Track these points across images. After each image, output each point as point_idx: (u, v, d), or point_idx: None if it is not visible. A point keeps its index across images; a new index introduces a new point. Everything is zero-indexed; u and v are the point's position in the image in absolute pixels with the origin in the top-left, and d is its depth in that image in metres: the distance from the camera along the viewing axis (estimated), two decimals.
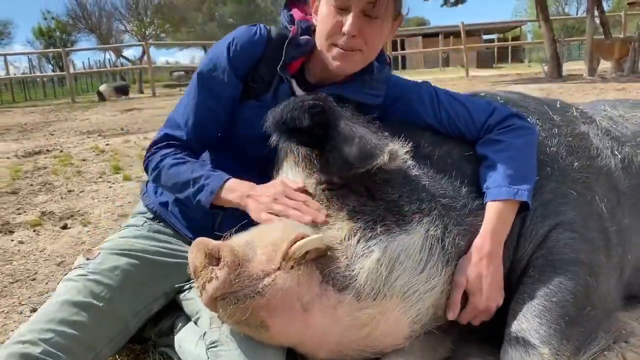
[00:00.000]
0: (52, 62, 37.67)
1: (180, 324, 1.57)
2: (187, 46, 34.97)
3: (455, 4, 18.77)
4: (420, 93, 1.61)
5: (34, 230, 3.32)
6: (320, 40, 1.49)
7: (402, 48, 32.42)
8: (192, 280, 1.55)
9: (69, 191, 4.45)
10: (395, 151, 1.34)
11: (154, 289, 1.57)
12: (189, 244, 1.61)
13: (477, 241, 1.36)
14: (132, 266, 1.54)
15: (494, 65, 31.93)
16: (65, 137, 8.49)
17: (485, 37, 41.27)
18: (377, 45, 1.51)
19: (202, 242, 1.20)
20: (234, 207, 1.44)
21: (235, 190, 1.44)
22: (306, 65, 1.61)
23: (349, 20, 1.40)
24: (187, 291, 1.58)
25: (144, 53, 24.48)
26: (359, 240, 1.27)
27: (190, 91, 1.66)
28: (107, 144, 7.06)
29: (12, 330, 2.01)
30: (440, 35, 34.00)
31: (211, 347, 1.30)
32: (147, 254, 1.59)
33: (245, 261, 1.17)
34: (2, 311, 2.20)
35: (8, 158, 6.65)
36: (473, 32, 35.54)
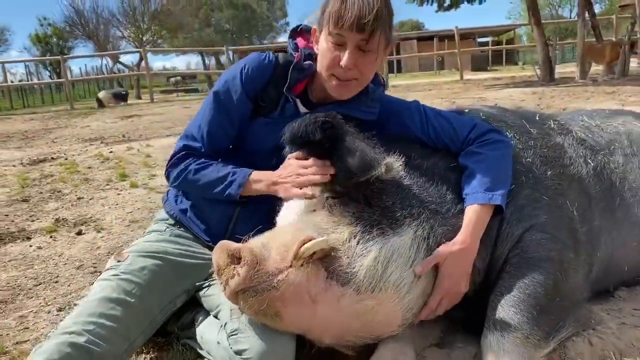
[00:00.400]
0: (49, 68, 37.84)
1: (200, 318, 1.78)
2: (184, 52, 35.10)
3: (449, 8, 19.00)
4: (411, 111, 1.82)
5: (51, 236, 3.51)
6: (322, 72, 1.71)
7: (397, 52, 32.65)
8: (210, 279, 1.78)
9: (79, 198, 4.64)
10: (391, 164, 1.55)
11: (177, 287, 1.77)
12: (206, 246, 1.84)
13: (458, 237, 1.57)
14: (158, 267, 1.74)
15: (488, 68, 32.21)
16: (68, 145, 8.66)
17: (479, 40, 41.64)
18: (371, 73, 1.73)
19: (225, 244, 1.41)
20: (263, 194, 1.70)
21: (261, 181, 1.68)
22: (309, 87, 1.82)
23: (345, 55, 1.62)
24: (206, 288, 1.78)
25: (141, 59, 24.67)
26: (358, 242, 1.48)
27: (205, 107, 1.87)
28: (111, 152, 7.23)
29: (44, 328, 2.20)
30: (435, 39, 34.31)
31: (232, 335, 1.51)
32: (171, 256, 1.79)
33: (262, 260, 1.38)
34: (32, 311, 2.39)
35: (14, 166, 6.82)
36: (467, 35, 35.88)
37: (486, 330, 1.52)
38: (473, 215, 1.59)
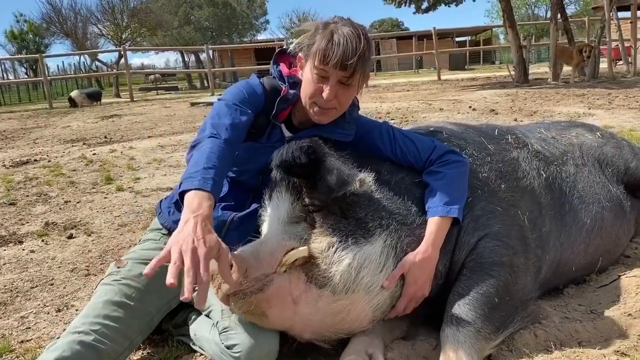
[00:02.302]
0: (25, 65, 37.27)
1: (193, 317, 1.99)
2: (163, 50, 34.93)
3: (427, 10, 19.36)
4: (381, 131, 2.05)
5: (42, 240, 3.66)
6: (303, 98, 1.92)
7: (377, 50, 32.99)
8: None
9: (66, 202, 4.76)
10: (364, 179, 1.77)
11: (172, 290, 1.95)
12: None
13: (421, 247, 1.80)
14: (154, 273, 1.93)
15: (466, 67, 32.74)
16: (50, 146, 8.70)
17: (457, 39, 42.24)
18: (349, 102, 1.95)
19: None
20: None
21: (187, 206, 1.55)
22: (292, 111, 2.03)
23: (327, 89, 1.83)
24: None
25: (120, 57, 24.52)
26: (335, 251, 1.69)
27: (219, 108, 1.90)
28: (94, 154, 7.33)
29: (44, 327, 2.38)
30: (414, 38, 34.72)
31: (223, 332, 1.72)
32: (166, 263, 1.98)
33: (250, 267, 1.60)
34: (31, 312, 2.56)
35: None
36: (445, 35, 36.39)
37: (444, 325, 1.75)
38: (434, 226, 1.82)
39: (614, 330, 1.91)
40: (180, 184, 1.65)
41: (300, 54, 1.97)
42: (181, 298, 1.36)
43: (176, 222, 2.08)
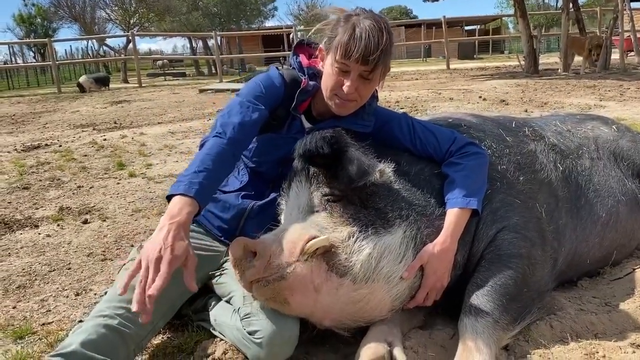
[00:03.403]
0: (33, 49, 37.31)
1: (213, 303, 2.02)
2: (171, 36, 34.83)
3: None
4: (400, 123, 2.06)
5: (58, 225, 3.70)
6: (324, 91, 1.93)
7: None
8: (222, 269, 2.02)
9: (79, 187, 4.81)
10: (383, 170, 1.78)
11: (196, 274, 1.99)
12: (217, 240, 2.06)
13: (439, 238, 1.82)
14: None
15: (474, 56, 32.51)
16: (60, 131, 8.75)
17: (466, 27, 41.90)
18: (369, 94, 1.95)
19: (242, 240, 1.64)
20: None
21: (167, 212, 1.58)
22: (311, 102, 2.05)
23: (347, 82, 1.84)
24: (218, 277, 2.01)
25: (128, 42, 24.49)
26: (355, 240, 1.72)
27: (234, 105, 1.92)
28: (105, 139, 7.37)
29: (65, 311, 2.42)
30: (422, 26, 34.45)
31: (245, 318, 1.74)
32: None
33: (273, 255, 1.62)
34: (51, 295, 2.60)
35: (9, 152, 6.93)
36: (455, 23, 36.07)
37: (462, 315, 1.77)
38: (453, 217, 1.84)
39: (629, 323, 1.93)
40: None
41: (321, 46, 1.98)
42: (140, 321, 1.46)
43: None
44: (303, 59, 2.06)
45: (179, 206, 1.58)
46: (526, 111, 7.53)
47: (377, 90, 2.14)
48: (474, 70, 19.20)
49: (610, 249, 2.45)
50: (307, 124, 2.02)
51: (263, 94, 1.93)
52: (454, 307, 1.86)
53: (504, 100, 9.06)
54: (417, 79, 16.13)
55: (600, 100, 8.61)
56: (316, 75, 1.99)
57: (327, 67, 1.90)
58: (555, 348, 1.75)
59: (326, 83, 1.92)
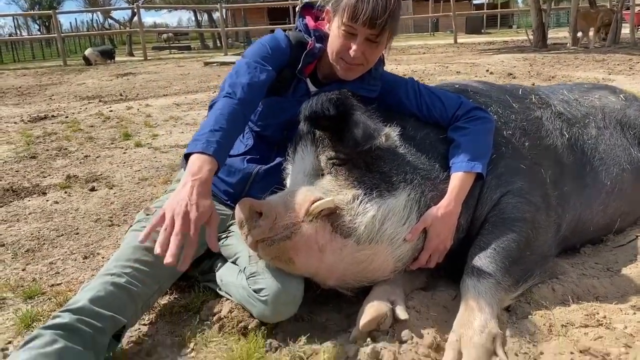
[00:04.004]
0: (38, 21, 37.07)
1: (219, 264, 2.05)
2: (176, 8, 34.46)
3: None
4: (407, 87, 2.05)
5: (65, 192, 3.73)
6: (330, 54, 1.92)
7: None
8: (228, 231, 2.04)
9: (86, 156, 4.83)
10: (389, 134, 1.79)
11: (199, 237, 2.02)
12: (223, 204, 2.08)
13: (443, 201, 1.83)
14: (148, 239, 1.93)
15: (482, 31, 32.02)
16: (66, 102, 8.76)
17: (475, 1, 41.20)
18: (376, 59, 1.94)
19: (248, 201, 1.66)
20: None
21: (188, 169, 1.58)
22: (317, 65, 2.04)
23: (354, 45, 1.83)
24: (224, 239, 2.03)
25: (133, 15, 24.27)
26: (360, 203, 1.73)
27: (239, 67, 1.90)
28: (111, 111, 7.37)
29: (73, 273, 2.46)
30: (430, 0, 33.90)
31: (251, 277, 1.77)
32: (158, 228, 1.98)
33: (279, 215, 1.64)
34: (59, 258, 2.64)
35: (15, 123, 6.95)
36: None
37: (465, 276, 1.79)
38: (457, 181, 1.84)
39: (630, 287, 1.95)
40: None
41: (328, 7, 1.96)
42: (165, 262, 1.41)
43: None
44: (309, 21, 2.04)
45: (199, 164, 1.58)
46: (533, 84, 7.46)
47: (383, 55, 2.13)
48: (482, 44, 18.95)
49: (614, 216, 2.46)
50: (312, 87, 2.02)
51: (269, 54, 1.92)
52: (457, 270, 1.88)
53: (511, 74, 8.97)
54: (424, 53, 15.95)
55: (609, 74, 8.51)
56: (323, 37, 1.98)
57: (334, 29, 1.88)
58: (557, 309, 1.77)
59: (332, 46, 1.90)
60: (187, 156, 1.64)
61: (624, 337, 1.58)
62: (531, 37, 15.62)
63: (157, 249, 1.43)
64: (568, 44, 15.11)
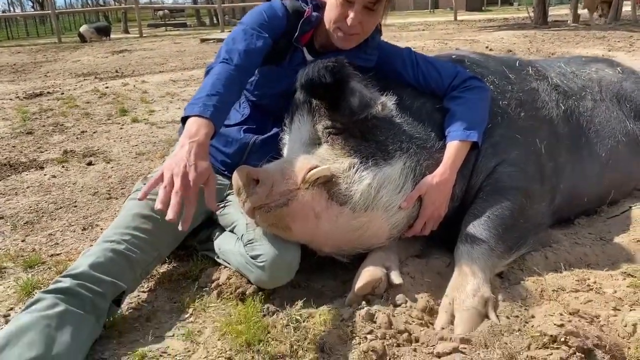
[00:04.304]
0: None
1: (217, 233, 2.07)
2: None
3: None
4: (403, 57, 2.05)
5: (63, 166, 3.74)
6: (327, 23, 1.91)
7: None
8: (225, 201, 2.06)
9: (82, 132, 4.82)
10: (385, 103, 1.79)
11: (197, 207, 2.04)
12: (220, 174, 2.10)
13: (439, 169, 1.84)
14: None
15: (483, 8, 31.75)
16: (62, 79, 8.71)
17: None
18: (372, 27, 1.94)
19: (245, 168, 1.67)
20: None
21: (185, 132, 1.58)
22: (314, 34, 2.03)
23: (352, 13, 1.82)
24: (222, 208, 2.05)
25: None
26: (356, 171, 1.74)
27: (236, 34, 1.90)
28: (107, 87, 7.33)
29: (72, 244, 2.48)
30: None
31: (248, 244, 1.80)
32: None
33: (276, 182, 1.65)
34: (58, 230, 2.66)
35: (11, 99, 6.91)
36: None
37: (459, 243, 1.82)
38: (453, 150, 1.86)
39: (622, 255, 1.98)
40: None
41: None
42: (167, 218, 1.41)
43: None
44: None
45: (196, 127, 1.59)
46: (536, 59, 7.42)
47: (380, 25, 2.12)
48: (482, 21, 18.80)
49: (608, 188, 2.48)
50: (309, 57, 2.02)
51: (266, 22, 1.91)
52: (452, 238, 1.91)
53: (510, 51, 8.92)
54: (423, 30, 15.82)
55: (609, 51, 8.46)
56: (319, 6, 1.97)
57: None
58: (549, 276, 1.80)
59: (329, 15, 1.90)
60: (184, 120, 1.65)
61: (613, 301, 1.62)
62: (532, 14, 15.49)
63: (158, 205, 1.43)
64: (569, 21, 15.00)
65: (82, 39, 17.95)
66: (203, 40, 15.18)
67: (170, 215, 1.40)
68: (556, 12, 21.63)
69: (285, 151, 2.00)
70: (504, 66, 2.35)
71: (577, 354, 1.34)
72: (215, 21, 26.41)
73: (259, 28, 1.88)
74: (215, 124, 1.62)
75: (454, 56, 2.29)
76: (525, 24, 15.72)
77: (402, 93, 1.97)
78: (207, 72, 1.86)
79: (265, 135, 2.07)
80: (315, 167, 1.71)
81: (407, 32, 15.29)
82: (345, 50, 1.98)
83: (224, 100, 1.68)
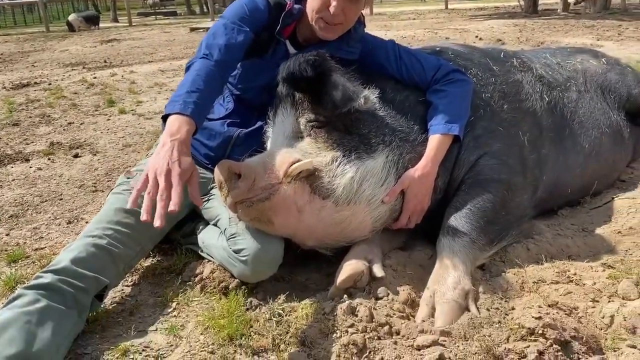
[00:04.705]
0: None
1: (201, 227, 2.07)
2: None
3: None
4: (387, 50, 2.04)
5: (49, 159, 3.71)
6: (309, 13, 1.90)
7: None
8: (209, 194, 2.06)
9: (69, 123, 4.78)
10: (368, 96, 1.78)
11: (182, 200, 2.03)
12: (204, 167, 2.09)
13: (421, 163, 1.85)
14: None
15: None
16: (49, 69, 8.62)
17: None
18: (356, 18, 1.93)
19: (227, 162, 1.67)
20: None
21: (166, 130, 1.58)
22: (297, 27, 2.02)
23: (334, 3, 1.81)
24: (206, 202, 2.04)
25: None
26: (338, 165, 1.74)
27: (216, 29, 1.89)
28: (95, 77, 7.26)
29: (57, 237, 2.48)
30: None
31: (231, 238, 1.80)
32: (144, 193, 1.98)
33: (258, 176, 1.65)
34: (43, 223, 2.65)
35: None
36: None
37: (441, 236, 1.83)
38: (435, 143, 1.86)
39: (603, 246, 2.00)
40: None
41: None
42: (155, 226, 1.39)
43: None
44: None
45: (177, 125, 1.58)
46: (522, 50, 7.42)
47: (363, 17, 2.12)
48: (473, 10, 18.74)
49: (591, 179, 2.50)
50: (292, 50, 2.01)
51: (247, 15, 1.90)
52: (435, 230, 1.92)
53: (500, 40, 8.92)
54: (414, 19, 15.77)
55: (598, 40, 8.48)
56: None
57: None
58: (530, 268, 1.81)
59: (312, 5, 1.89)
60: (164, 118, 1.64)
61: (592, 293, 1.64)
62: (522, 2, 15.47)
63: (143, 216, 1.43)
64: (559, 10, 14.99)
65: (71, 28, 17.72)
66: (193, 30, 15.05)
67: (157, 222, 1.40)
68: (546, 0, 21.63)
69: (268, 144, 2.00)
70: (488, 58, 2.35)
71: (554, 345, 1.36)
72: (205, 10, 26.16)
73: (239, 22, 1.87)
74: (196, 121, 1.62)
75: (437, 48, 2.29)
76: (515, 12, 15.70)
77: (385, 86, 1.97)
78: (187, 68, 1.85)
79: (249, 129, 2.07)
80: (297, 161, 1.71)
81: (398, 21, 15.24)
82: (329, 42, 1.98)
83: (204, 96, 1.68)
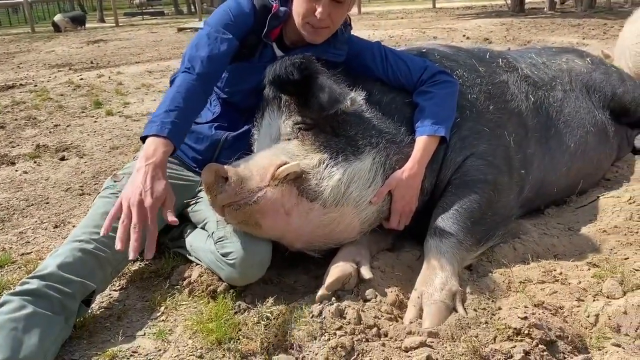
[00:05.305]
0: None
1: (189, 230, 2.06)
2: None
3: None
4: (373, 52, 2.05)
5: (35, 162, 3.68)
6: (296, 18, 1.90)
7: None
8: (197, 197, 2.05)
9: (56, 126, 4.74)
10: (355, 98, 1.79)
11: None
12: (192, 171, 2.09)
13: (408, 164, 1.86)
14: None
15: None
16: (35, 71, 8.54)
17: None
18: (342, 20, 1.93)
19: (213, 166, 1.66)
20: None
21: (144, 151, 1.61)
22: (283, 30, 2.02)
23: (319, 7, 1.81)
24: (193, 205, 2.04)
25: None
26: (326, 167, 1.75)
27: (201, 38, 1.89)
28: (81, 79, 7.21)
29: (43, 242, 2.45)
30: None
31: (219, 241, 1.79)
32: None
33: (245, 179, 1.65)
34: (29, 228, 2.63)
35: None
36: None
37: (428, 237, 1.84)
38: (421, 145, 1.87)
39: (588, 245, 2.02)
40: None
41: None
42: (129, 258, 1.48)
43: None
44: None
45: (154, 147, 1.60)
46: (509, 49, 7.47)
47: (350, 19, 2.12)
48: (460, 9, 18.81)
49: (577, 178, 2.53)
50: (279, 53, 2.01)
51: (232, 21, 1.89)
52: (422, 231, 1.92)
53: (487, 39, 8.97)
54: (402, 18, 15.81)
55: (583, 39, 8.56)
56: (287, 0, 1.96)
57: None
58: (516, 267, 1.83)
59: (298, 10, 1.89)
60: (143, 139, 1.65)
61: (577, 292, 1.66)
62: (509, 1, 15.57)
63: (118, 245, 1.47)
64: (545, 8, 15.10)
65: (57, 28, 17.54)
66: (180, 30, 14.96)
67: (130, 255, 1.45)
68: None
69: (255, 147, 2.00)
70: (474, 59, 2.36)
71: (540, 345, 1.38)
72: (193, 9, 26.04)
73: (223, 29, 1.88)
74: (173, 142, 1.64)
75: (423, 50, 2.30)
76: (502, 11, 15.79)
77: (371, 88, 1.97)
78: (171, 82, 1.85)
79: (237, 132, 2.06)
80: (284, 164, 1.71)
81: (386, 20, 15.27)
82: (315, 45, 1.98)
83: (183, 114, 1.70)
